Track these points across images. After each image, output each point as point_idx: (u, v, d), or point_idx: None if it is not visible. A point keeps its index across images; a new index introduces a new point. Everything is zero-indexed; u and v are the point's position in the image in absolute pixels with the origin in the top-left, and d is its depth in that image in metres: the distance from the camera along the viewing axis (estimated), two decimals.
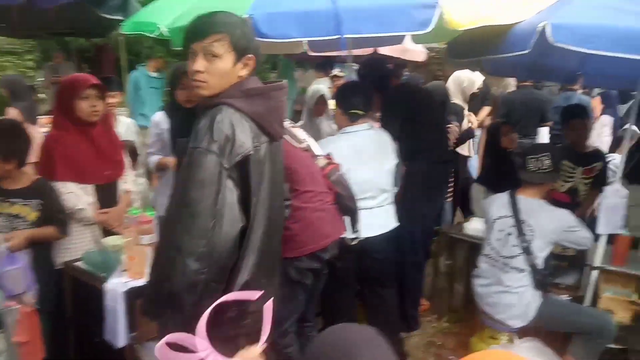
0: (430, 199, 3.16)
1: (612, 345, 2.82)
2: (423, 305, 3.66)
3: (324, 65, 6.77)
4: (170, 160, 2.95)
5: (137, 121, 4.58)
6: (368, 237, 2.61)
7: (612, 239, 3.18)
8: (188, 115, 2.64)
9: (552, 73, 3.89)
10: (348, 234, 2.43)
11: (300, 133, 2.39)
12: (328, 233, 2.26)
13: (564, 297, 3.07)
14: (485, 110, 5.61)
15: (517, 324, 2.75)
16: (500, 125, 4.02)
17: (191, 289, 1.45)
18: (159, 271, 1.57)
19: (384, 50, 5.76)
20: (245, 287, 1.51)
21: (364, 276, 2.82)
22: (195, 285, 1.45)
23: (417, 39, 4.16)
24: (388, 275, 2.91)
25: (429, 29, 2.12)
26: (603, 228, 2.99)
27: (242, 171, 1.54)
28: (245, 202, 1.55)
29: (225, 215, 1.48)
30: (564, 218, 2.76)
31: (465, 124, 4.44)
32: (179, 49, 2.95)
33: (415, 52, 7.11)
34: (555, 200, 3.54)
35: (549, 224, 2.72)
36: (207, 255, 1.45)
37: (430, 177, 3.09)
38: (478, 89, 4.70)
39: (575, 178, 3.65)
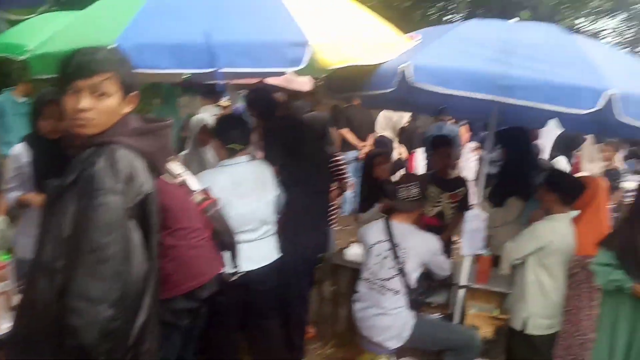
0: (311, 228, 3.23)
1: (480, 359, 3.07)
2: (309, 332, 3.70)
3: (210, 92, 6.68)
4: (33, 197, 2.70)
5: (1, 150, 4.15)
6: (250, 271, 2.61)
7: (476, 259, 3.50)
8: (52, 148, 2.46)
9: (420, 106, 4.22)
10: (228, 269, 2.40)
11: (176, 167, 2.33)
12: (204, 270, 2.21)
13: (436, 316, 3.30)
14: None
15: (394, 344, 2.91)
16: (374, 156, 4.27)
17: (107, 337, 1.39)
18: (45, 327, 1.45)
19: (270, 80, 5.86)
20: (144, 327, 1.49)
21: (247, 310, 2.79)
22: (111, 333, 1.39)
23: (298, 72, 4.29)
24: (272, 307, 2.91)
25: (299, 67, 2.20)
26: (466, 249, 3.27)
27: (143, 211, 1.52)
28: (145, 242, 1.53)
29: (134, 258, 1.46)
30: (432, 242, 3.00)
31: (395, 155, 4.66)
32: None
33: (300, 82, 7.30)
34: (426, 224, 3.82)
35: (420, 246, 2.95)
36: (121, 300, 1.41)
37: (310, 207, 3.16)
38: (407, 122, 5.03)
39: (442, 203, 3.96)
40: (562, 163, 4.92)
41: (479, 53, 2.40)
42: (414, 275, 2.94)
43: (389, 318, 2.91)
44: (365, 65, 2.50)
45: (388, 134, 4.91)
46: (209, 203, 2.30)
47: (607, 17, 13.56)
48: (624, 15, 13.67)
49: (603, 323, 2.82)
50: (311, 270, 3.48)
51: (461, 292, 3.31)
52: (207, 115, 4.74)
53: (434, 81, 2.31)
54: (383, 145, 4.54)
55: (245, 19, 2.36)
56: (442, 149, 4.00)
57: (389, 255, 2.94)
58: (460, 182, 4.05)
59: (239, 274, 2.42)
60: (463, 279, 3.30)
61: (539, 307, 3.04)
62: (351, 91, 2.99)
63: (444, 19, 8.78)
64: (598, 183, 3.34)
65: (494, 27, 2.83)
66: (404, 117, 5.00)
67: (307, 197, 3.09)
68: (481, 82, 2.25)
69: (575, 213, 3.15)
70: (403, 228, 2.98)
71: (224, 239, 2.33)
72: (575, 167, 6.43)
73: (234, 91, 4.86)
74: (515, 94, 2.18)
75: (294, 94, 7.55)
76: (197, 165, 3.50)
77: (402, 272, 2.90)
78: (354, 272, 3.48)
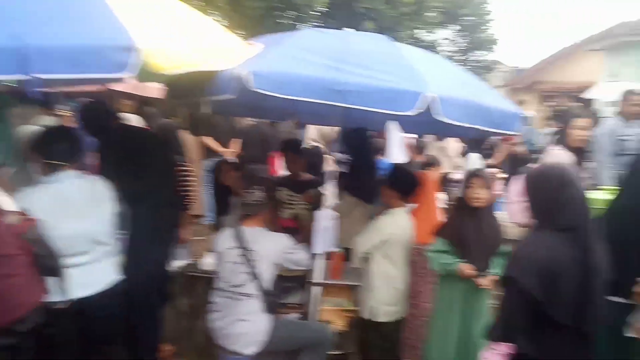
0: (158, 242, 3.08)
1: (334, 352, 3.19)
2: (166, 350, 3.53)
3: (47, 101, 6.06)
4: None
5: None
6: (85, 297, 2.39)
7: (329, 255, 3.64)
8: None
9: (269, 111, 4.28)
10: (55, 297, 2.16)
11: None
12: (22, 301, 1.98)
13: (293, 316, 3.36)
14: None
15: (252, 350, 2.89)
16: (220, 164, 4.24)
17: None
18: None
19: (117, 86, 5.50)
20: None
21: (86, 338, 2.54)
22: None
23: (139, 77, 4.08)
24: (114, 332, 2.69)
25: (126, 73, 2.08)
26: (318, 248, 3.38)
27: None
28: None
29: None
30: (283, 242, 3.04)
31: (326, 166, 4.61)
32: None
33: (148, 88, 6.96)
34: (283, 226, 3.89)
35: (272, 248, 2.97)
36: None
37: (156, 220, 3.01)
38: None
39: (296, 205, 4.05)
40: (474, 160, 5.28)
41: (315, 60, 2.51)
42: (267, 277, 2.95)
43: (245, 324, 2.89)
44: (206, 70, 2.46)
45: (319, 144, 4.99)
46: (27, 225, 2.06)
47: (441, 28, 15.18)
48: (456, 27, 15.43)
49: (439, 304, 3.12)
50: (161, 286, 3.32)
51: (316, 290, 3.42)
52: (35, 127, 4.30)
53: (273, 87, 2.37)
54: (314, 155, 4.57)
55: (65, 23, 2.17)
56: (291, 153, 4.09)
57: (241, 260, 2.92)
58: (313, 183, 4.18)
59: (70, 302, 2.20)
60: (317, 276, 3.41)
61: (384, 296, 3.27)
62: (192, 97, 2.92)
63: (297, 26, 9.05)
64: (429, 178, 3.68)
65: (329, 36, 3.00)
66: (335, 128, 5.13)
67: (151, 210, 2.94)
68: (316, 87, 2.36)
69: (412, 206, 3.44)
70: (253, 232, 2.98)
71: (46, 264, 2.10)
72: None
73: (69, 99, 4.48)
74: (347, 98, 2.33)
75: (144, 101, 7.19)
76: (25, 183, 3.13)
77: (255, 276, 2.90)
78: (211, 282, 3.40)
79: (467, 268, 2.94)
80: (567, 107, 7.59)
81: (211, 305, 3.02)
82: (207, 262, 3.57)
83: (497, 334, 2.07)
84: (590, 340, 2.04)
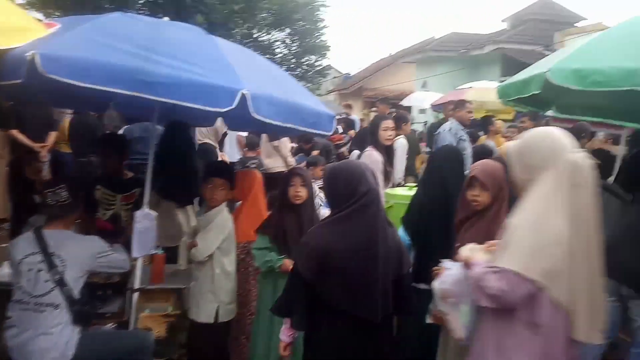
0: None
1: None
2: None
3: None
4: None
5: None
6: None
7: (150, 259, 3.44)
8: None
9: (85, 102, 3.90)
10: None
11: None
12: None
13: (110, 326, 3.10)
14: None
15: None
16: (24, 155, 3.75)
17: None
18: None
19: None
20: None
21: None
22: None
23: None
24: None
25: None
26: (137, 251, 3.15)
27: None
28: None
29: None
30: (94, 245, 2.79)
31: None
32: None
33: None
34: (99, 228, 3.55)
35: (81, 252, 2.70)
36: None
37: None
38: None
39: (116, 205, 3.75)
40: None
41: (120, 47, 2.30)
42: (76, 285, 2.67)
43: (49, 338, 2.57)
44: None
45: (210, 140, 4.53)
46: None
47: (276, 30, 15.54)
48: (288, 31, 15.91)
49: (263, 300, 3.14)
50: None
51: (135, 296, 3.20)
52: None
53: (68, 73, 2.10)
54: (205, 152, 4.09)
55: None
56: (109, 149, 3.77)
57: (43, 267, 2.60)
58: (135, 182, 3.89)
59: None
60: (136, 282, 3.19)
61: (225, 295, 3.20)
62: None
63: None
64: (255, 176, 3.70)
65: (140, 22, 2.79)
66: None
67: None
68: (120, 76, 2.16)
69: (237, 203, 3.43)
70: (58, 235, 2.68)
71: None
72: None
73: None
74: (156, 90, 2.17)
75: None
76: None
77: (61, 283, 2.61)
78: (6, 294, 2.97)
79: (290, 264, 3.01)
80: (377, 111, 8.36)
81: (8, 321, 2.63)
82: (4, 272, 3.10)
83: (276, 309, 2.31)
84: (379, 328, 2.17)
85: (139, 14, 9.66)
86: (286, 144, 6.65)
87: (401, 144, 5.75)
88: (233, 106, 2.26)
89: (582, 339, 1.83)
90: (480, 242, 2.14)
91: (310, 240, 2.16)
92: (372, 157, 4.15)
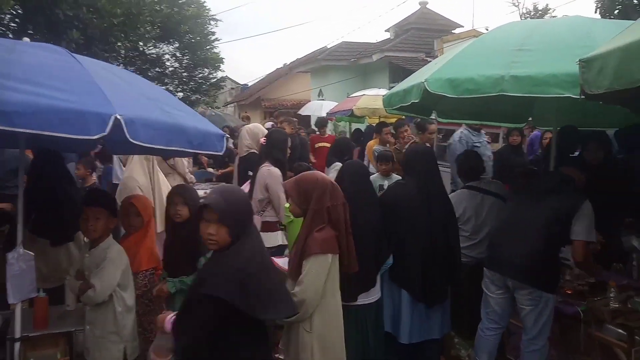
0: None
1: None
2: None
3: None
4: None
5: None
6: None
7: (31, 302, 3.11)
8: None
9: None
10: None
11: None
12: None
13: None
14: None
15: None
16: None
17: None
18: None
19: None
20: None
21: None
22: None
23: None
24: None
25: None
26: (13, 297, 2.82)
27: None
28: None
29: None
30: None
31: None
32: None
33: None
34: None
35: None
36: None
37: None
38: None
39: None
40: (337, 168, 5.11)
41: None
42: None
43: None
44: None
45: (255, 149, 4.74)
46: None
47: (164, 44, 15.00)
48: (177, 44, 15.46)
49: None
50: None
51: (17, 346, 2.86)
52: None
53: None
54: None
55: None
56: None
57: None
58: (2, 217, 3.53)
59: None
60: (17, 330, 2.86)
61: (131, 332, 3.00)
62: None
63: None
64: (146, 202, 3.52)
65: None
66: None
67: None
68: None
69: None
70: None
71: None
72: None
73: None
74: (13, 121, 1.94)
75: None
76: None
77: None
78: None
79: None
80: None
81: None
82: None
83: None
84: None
85: (6, 30, 8.81)
86: (182, 161, 6.43)
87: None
88: (106, 132, 2.08)
89: None
90: None
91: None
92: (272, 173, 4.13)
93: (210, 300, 1.93)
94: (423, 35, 16.25)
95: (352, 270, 2.71)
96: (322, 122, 9.77)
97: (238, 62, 55.54)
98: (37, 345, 3.01)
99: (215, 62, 16.60)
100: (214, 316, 1.98)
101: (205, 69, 16.72)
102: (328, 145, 8.16)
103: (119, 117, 2.09)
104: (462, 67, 3.11)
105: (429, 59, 13.06)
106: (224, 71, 18.38)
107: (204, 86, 16.77)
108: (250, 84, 30.40)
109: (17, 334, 2.86)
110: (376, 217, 3.17)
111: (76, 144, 3.57)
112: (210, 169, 8.73)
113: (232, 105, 30.56)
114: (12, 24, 9.01)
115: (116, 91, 2.31)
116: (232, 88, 32.69)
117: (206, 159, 8.67)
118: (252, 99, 25.33)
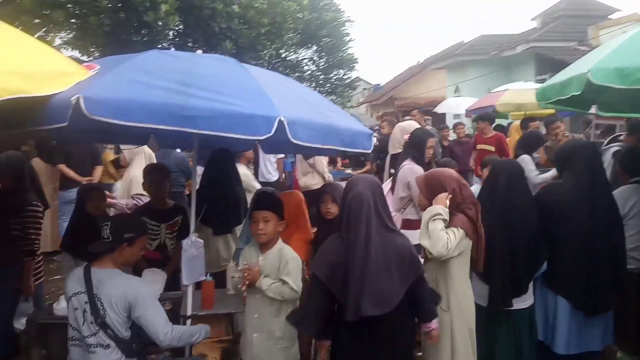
0: None
1: None
2: None
3: None
4: None
5: None
6: None
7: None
8: None
9: (126, 136, 4.04)
10: None
11: None
12: None
13: (165, 355, 3.13)
14: None
15: None
16: (87, 190, 3.91)
17: None
18: None
19: None
20: None
21: None
22: None
23: None
24: None
25: None
26: (187, 279, 3.19)
27: None
28: None
29: None
30: (131, 290, 2.57)
31: None
32: None
33: None
34: (146, 259, 3.64)
35: (116, 293, 2.53)
36: None
37: None
38: None
39: (161, 234, 3.84)
40: (526, 161, 5.36)
41: (157, 84, 2.34)
42: (121, 325, 2.56)
43: None
44: (33, 97, 2.20)
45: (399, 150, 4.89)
46: None
47: (303, 48, 15.72)
48: (315, 48, 16.09)
49: None
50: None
51: (188, 323, 3.22)
52: None
53: (111, 113, 2.16)
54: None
55: None
56: (154, 178, 3.89)
57: (88, 309, 2.51)
58: (177, 210, 3.99)
59: None
60: (188, 309, 3.22)
61: None
62: (18, 127, 2.55)
63: (151, 46, 8.68)
64: (297, 197, 3.73)
65: (173, 58, 2.86)
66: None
67: None
68: (161, 113, 2.21)
69: None
70: (102, 274, 2.58)
71: None
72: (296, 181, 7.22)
73: None
74: (197, 124, 2.22)
75: None
76: None
77: (104, 326, 2.51)
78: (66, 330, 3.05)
79: None
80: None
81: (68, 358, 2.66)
82: (62, 307, 3.20)
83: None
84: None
85: (170, 44, 9.96)
86: (322, 160, 6.67)
87: None
88: (272, 133, 2.29)
89: None
90: None
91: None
92: (415, 171, 4.09)
93: None
94: (574, 22, 14.83)
95: (477, 269, 2.82)
96: (485, 117, 7.98)
97: (370, 62, 55.94)
98: (204, 323, 3.36)
99: (350, 62, 16.96)
100: None
101: (341, 70, 17.17)
102: (491, 148, 7.42)
103: (282, 119, 2.29)
104: (632, 55, 2.80)
105: (582, 48, 11.91)
106: (357, 70, 18.73)
107: (338, 87, 17.25)
108: (382, 84, 30.49)
109: (189, 312, 3.21)
110: (532, 219, 3.00)
111: (237, 143, 3.97)
112: (347, 169, 8.88)
113: (364, 105, 30.94)
114: (177, 39, 10.16)
115: (278, 95, 2.52)
116: (365, 89, 33.12)
117: (340, 158, 8.88)
118: (385, 98, 25.37)
